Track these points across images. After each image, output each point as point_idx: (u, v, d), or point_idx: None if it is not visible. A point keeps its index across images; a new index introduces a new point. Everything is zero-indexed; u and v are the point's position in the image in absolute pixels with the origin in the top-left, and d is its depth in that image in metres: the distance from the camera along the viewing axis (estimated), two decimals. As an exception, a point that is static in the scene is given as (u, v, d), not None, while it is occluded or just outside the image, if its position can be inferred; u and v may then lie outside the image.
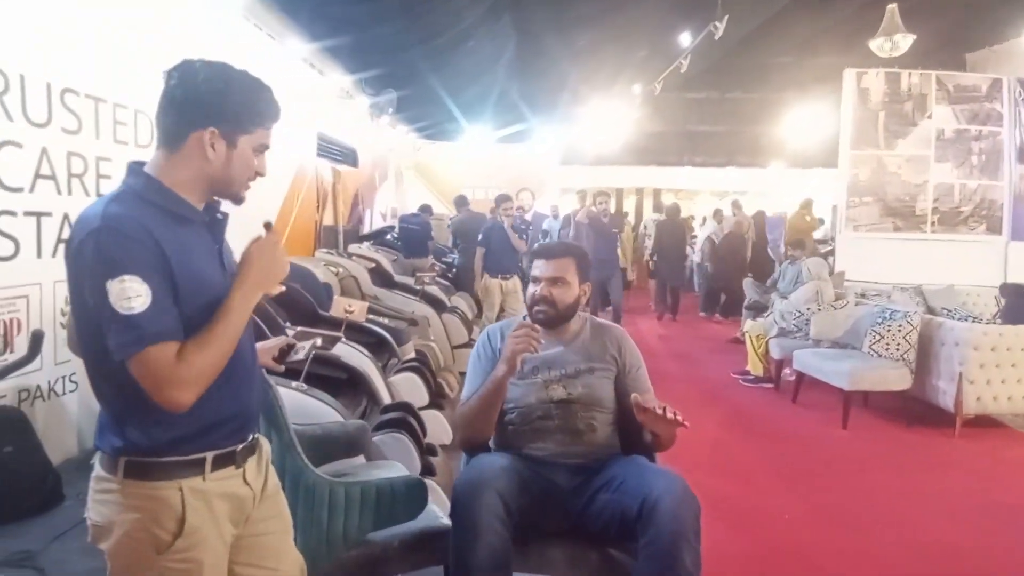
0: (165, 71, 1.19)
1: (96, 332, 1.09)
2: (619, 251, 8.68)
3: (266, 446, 1.35)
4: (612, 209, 9.68)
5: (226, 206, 1.28)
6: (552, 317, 1.99)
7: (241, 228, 1.31)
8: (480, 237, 6.26)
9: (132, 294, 1.05)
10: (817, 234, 10.46)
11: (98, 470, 1.17)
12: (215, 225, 1.25)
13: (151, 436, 1.13)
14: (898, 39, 6.60)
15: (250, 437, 1.27)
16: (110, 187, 3.40)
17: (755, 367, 5.63)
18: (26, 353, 2.14)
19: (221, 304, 1.15)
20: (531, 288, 2.02)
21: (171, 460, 1.14)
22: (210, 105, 1.16)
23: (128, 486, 1.14)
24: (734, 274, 8.64)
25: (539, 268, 2.01)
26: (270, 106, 1.22)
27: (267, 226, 1.24)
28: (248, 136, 1.19)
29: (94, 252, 1.06)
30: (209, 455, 1.18)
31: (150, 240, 1.09)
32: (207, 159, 1.17)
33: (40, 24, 2.83)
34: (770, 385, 5.51)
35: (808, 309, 5.38)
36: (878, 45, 6.73)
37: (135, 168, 1.19)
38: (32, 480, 2.75)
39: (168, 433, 1.14)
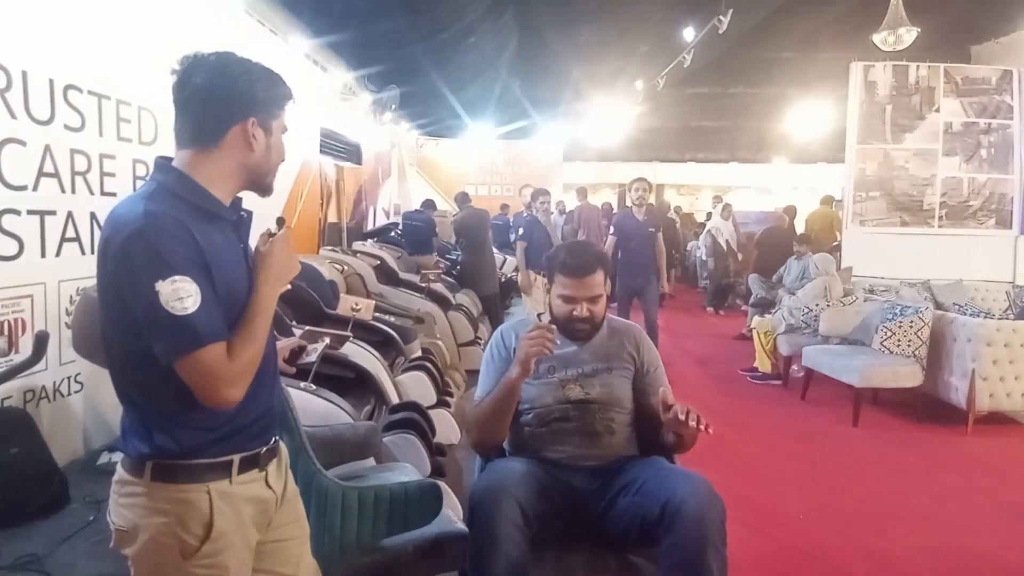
0: (178, 69, 1.16)
1: (130, 335, 1.08)
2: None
3: (285, 449, 1.34)
4: (652, 200, 9.10)
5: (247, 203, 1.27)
6: (591, 333, 1.97)
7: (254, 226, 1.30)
8: (521, 232, 6.26)
9: (184, 295, 1.03)
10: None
11: (121, 474, 1.15)
12: (241, 224, 1.24)
13: (180, 440, 1.12)
14: (902, 33, 6.54)
15: (272, 439, 1.27)
16: (114, 185, 3.38)
17: (763, 364, 5.59)
18: (31, 355, 2.10)
19: (250, 302, 1.15)
20: (563, 305, 1.94)
21: (198, 463, 1.13)
22: (247, 95, 1.15)
23: (155, 489, 1.12)
24: (776, 268, 8.45)
25: (573, 287, 1.92)
26: (285, 86, 1.23)
27: (280, 222, 1.23)
28: (276, 120, 1.21)
29: (143, 252, 1.03)
30: (236, 457, 1.16)
31: (191, 239, 1.08)
32: (250, 150, 1.17)
33: (42, 20, 2.78)
34: (778, 382, 5.48)
35: (817, 305, 5.33)
36: (882, 39, 6.67)
37: (164, 164, 1.17)
38: (38, 482, 2.72)
39: (197, 436, 1.13)
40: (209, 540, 1.12)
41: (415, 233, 7.48)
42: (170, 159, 1.18)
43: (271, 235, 1.22)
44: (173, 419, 1.12)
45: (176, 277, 1.03)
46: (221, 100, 1.14)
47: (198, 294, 1.05)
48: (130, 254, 1.04)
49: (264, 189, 1.25)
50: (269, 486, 1.23)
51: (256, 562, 1.23)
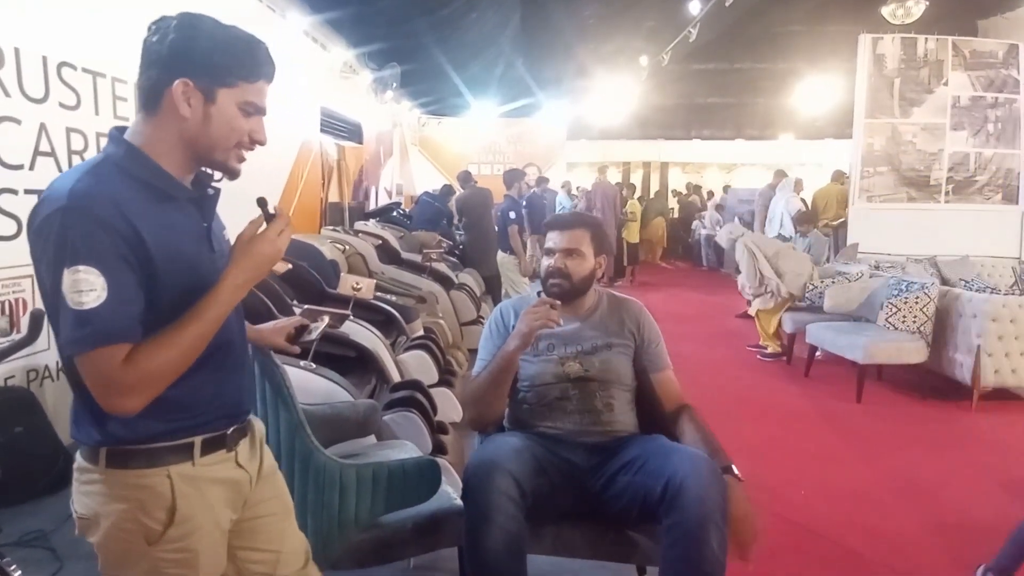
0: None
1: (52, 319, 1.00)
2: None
3: (259, 426, 1.27)
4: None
5: (229, 187, 1.17)
6: (567, 290, 1.93)
7: (246, 209, 1.18)
8: (513, 215, 6.22)
9: (85, 287, 0.94)
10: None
11: (79, 460, 1.09)
12: (204, 202, 1.12)
13: (131, 425, 1.04)
14: (911, 5, 6.43)
15: (242, 419, 1.19)
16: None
17: (767, 341, 5.57)
18: (26, 334, 2.10)
19: (210, 291, 1.03)
20: (545, 260, 1.96)
21: (156, 447, 1.06)
22: (181, 54, 1.03)
23: (112, 475, 1.05)
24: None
25: (552, 239, 1.95)
26: (255, 57, 1.08)
27: (262, 204, 1.11)
28: (229, 90, 1.05)
29: (56, 234, 0.94)
30: (197, 439, 1.09)
31: (123, 223, 0.97)
32: (183, 117, 1.04)
33: (34, -4, 2.75)
34: (784, 358, 5.47)
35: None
36: (890, 11, 6.56)
37: (115, 135, 1.07)
38: (43, 460, 2.74)
39: (151, 424, 1.05)
40: (173, 524, 1.06)
41: (427, 209, 7.55)
42: (123, 129, 1.08)
43: (269, 217, 1.11)
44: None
45: (80, 267, 0.93)
46: (157, 60, 1.03)
47: (104, 289, 0.94)
48: (45, 234, 0.96)
49: (219, 168, 1.11)
50: (240, 466, 1.17)
51: (236, 540, 1.19)
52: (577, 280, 1.93)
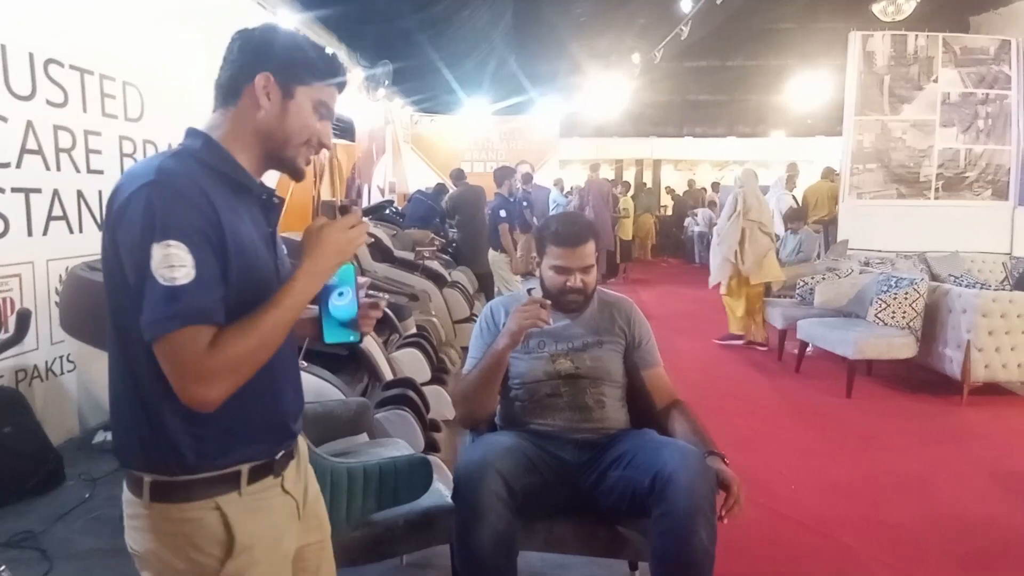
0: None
1: (124, 307, 0.95)
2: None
3: (303, 446, 1.22)
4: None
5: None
6: (582, 304, 1.95)
7: None
8: (503, 213, 6.25)
9: (176, 263, 0.91)
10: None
11: (125, 492, 1.03)
12: (270, 208, 1.12)
13: (179, 448, 0.98)
14: (901, 2, 6.47)
15: (292, 443, 1.14)
16: (101, 162, 3.34)
17: (735, 326, 5.82)
18: (13, 333, 2.08)
19: (281, 288, 1.00)
20: (556, 277, 1.91)
21: (200, 478, 0.99)
22: (262, 49, 1.07)
23: (157, 510, 0.99)
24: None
25: (566, 258, 1.89)
26: (332, 62, 1.11)
27: (343, 209, 1.10)
28: (306, 88, 1.08)
29: (144, 209, 0.92)
30: (245, 467, 1.03)
31: (206, 203, 0.96)
32: (260, 108, 1.06)
33: (20, -7, 2.72)
34: (740, 342, 5.75)
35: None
36: (881, 8, 6.60)
37: (192, 131, 1.08)
38: (33, 460, 2.72)
39: (201, 445, 0.99)
40: (231, 557, 1.00)
41: (420, 207, 7.55)
42: (194, 128, 1.09)
43: (337, 211, 1.09)
44: (170, 421, 0.97)
45: (171, 242, 0.91)
46: (243, 53, 1.07)
47: (193, 266, 0.91)
48: (132, 210, 0.93)
49: (288, 166, 1.11)
50: (287, 491, 1.11)
51: None
52: (591, 291, 1.95)
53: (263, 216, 1.10)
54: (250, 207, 1.07)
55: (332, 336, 1.11)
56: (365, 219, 1.12)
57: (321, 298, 1.09)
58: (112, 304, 1.00)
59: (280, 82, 1.06)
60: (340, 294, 1.10)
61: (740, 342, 5.81)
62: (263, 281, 1.03)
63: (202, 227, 0.95)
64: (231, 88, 1.07)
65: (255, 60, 1.06)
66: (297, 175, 1.12)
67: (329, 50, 1.13)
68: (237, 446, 1.02)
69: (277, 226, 1.14)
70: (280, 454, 1.10)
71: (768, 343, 5.71)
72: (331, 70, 1.11)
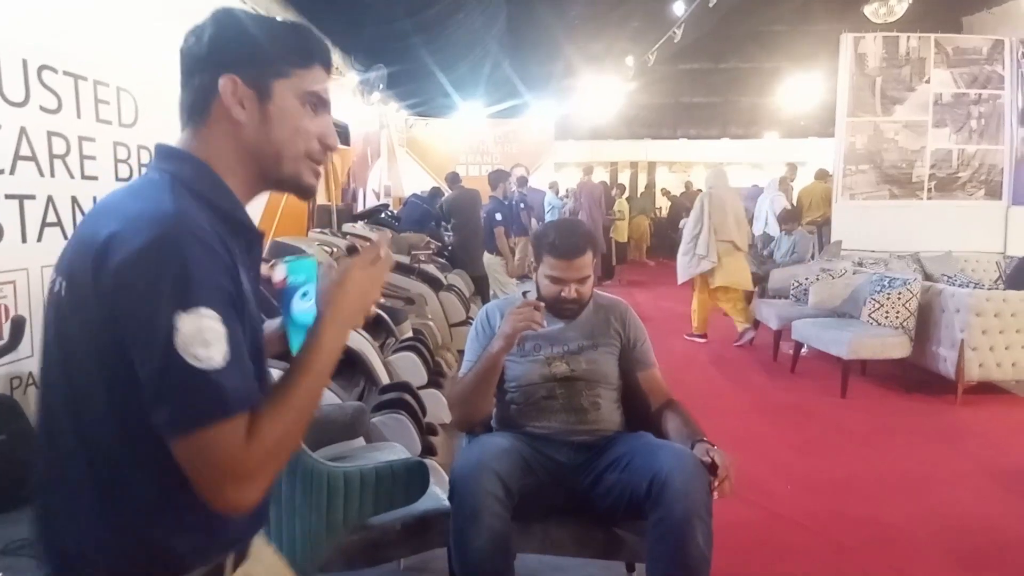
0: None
1: (113, 393, 0.75)
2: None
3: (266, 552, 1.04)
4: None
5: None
6: (578, 312, 1.96)
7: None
8: (499, 216, 6.27)
9: (212, 338, 0.72)
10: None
11: None
12: (255, 243, 0.92)
13: (170, 547, 0.80)
14: (893, 4, 6.49)
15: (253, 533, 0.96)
16: (95, 168, 3.33)
17: (699, 326, 6.09)
18: (7, 341, 2.08)
19: (306, 348, 0.86)
20: (552, 287, 1.91)
21: None
22: (222, 47, 0.85)
23: None
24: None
25: (561, 269, 1.89)
26: (304, 38, 0.89)
27: (351, 252, 1.00)
28: (284, 81, 0.86)
29: (164, 267, 0.72)
30: (229, 558, 0.87)
31: (226, 254, 0.78)
32: (238, 123, 0.85)
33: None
34: (703, 340, 6.01)
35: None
36: (872, 10, 6.63)
37: (172, 151, 0.87)
38: (28, 468, 2.71)
39: (190, 541, 0.82)
40: None
41: (415, 211, 7.56)
42: (173, 147, 0.88)
43: (354, 250, 0.97)
44: (151, 519, 0.79)
45: (204, 310, 0.72)
46: (200, 59, 0.86)
47: (226, 340, 0.74)
48: (145, 268, 0.72)
49: (288, 185, 0.90)
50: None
51: None
52: (587, 300, 1.96)
53: (248, 254, 0.89)
54: (239, 246, 0.86)
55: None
56: (386, 248, 0.96)
57: (282, 304, 0.94)
58: (71, 393, 0.78)
59: (251, 82, 0.85)
60: (304, 295, 0.94)
61: (703, 340, 6.12)
62: (258, 337, 0.89)
63: (227, 287, 0.77)
64: (197, 103, 0.87)
65: (215, 61, 0.86)
66: (304, 193, 0.92)
67: (299, 23, 0.93)
68: (228, 533, 0.87)
69: (260, 264, 0.95)
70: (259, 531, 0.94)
71: (741, 339, 5.93)
72: (307, 49, 0.90)
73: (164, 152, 0.87)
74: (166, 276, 0.72)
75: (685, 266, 5.97)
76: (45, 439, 0.84)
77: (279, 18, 0.95)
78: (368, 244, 0.96)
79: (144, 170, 0.97)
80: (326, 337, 0.86)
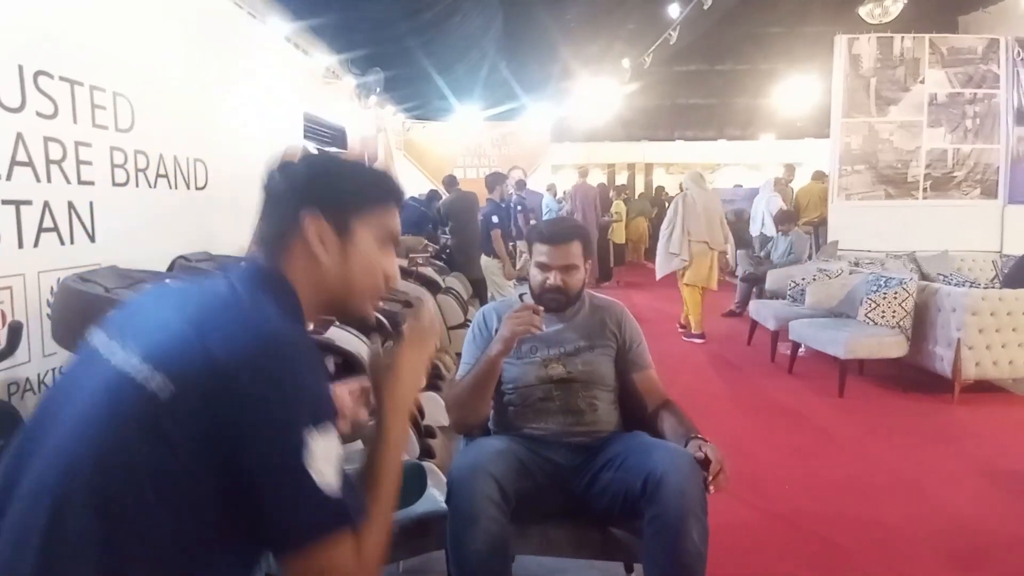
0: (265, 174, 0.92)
1: (186, 505, 0.71)
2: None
3: None
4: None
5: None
6: (563, 304, 1.95)
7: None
8: (496, 219, 6.29)
9: (333, 455, 0.75)
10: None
11: None
12: None
13: None
14: (888, 4, 6.52)
15: None
16: (91, 173, 3.34)
17: (694, 323, 6.19)
18: (5, 346, 2.08)
19: (375, 440, 0.88)
20: (538, 274, 1.94)
21: None
22: (306, 184, 0.89)
23: None
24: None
25: (547, 255, 1.91)
26: (385, 179, 0.95)
27: (415, 303, 1.04)
28: (364, 219, 0.90)
29: (290, 382, 0.73)
30: None
31: (326, 373, 0.84)
32: (318, 262, 0.87)
33: (7, 4, 2.73)
34: (701, 341, 6.10)
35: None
36: (867, 11, 6.66)
37: (270, 273, 0.87)
38: (25, 474, 2.71)
39: None
40: None
41: (413, 214, 7.58)
42: (254, 261, 0.89)
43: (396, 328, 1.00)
44: None
45: (329, 426, 0.75)
46: (282, 193, 0.89)
47: (338, 457, 0.77)
48: (268, 381, 0.72)
49: (349, 316, 0.95)
50: None
51: None
52: (573, 293, 1.95)
53: None
54: None
55: None
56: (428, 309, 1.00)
57: None
58: (116, 497, 0.70)
59: (332, 219, 0.88)
60: None
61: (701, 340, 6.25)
62: None
63: (332, 403, 0.80)
64: (277, 240, 0.89)
65: (299, 197, 0.88)
66: (367, 323, 1.00)
67: (380, 168, 0.98)
68: None
69: None
70: None
71: (705, 337, 6.19)
72: (388, 189, 0.95)
73: (256, 268, 0.89)
74: (300, 393, 0.74)
75: (660, 263, 6.33)
76: (22, 537, 0.71)
77: (366, 161, 1.00)
78: (413, 323, 0.98)
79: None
80: (394, 431, 0.89)
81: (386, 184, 0.96)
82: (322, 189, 0.89)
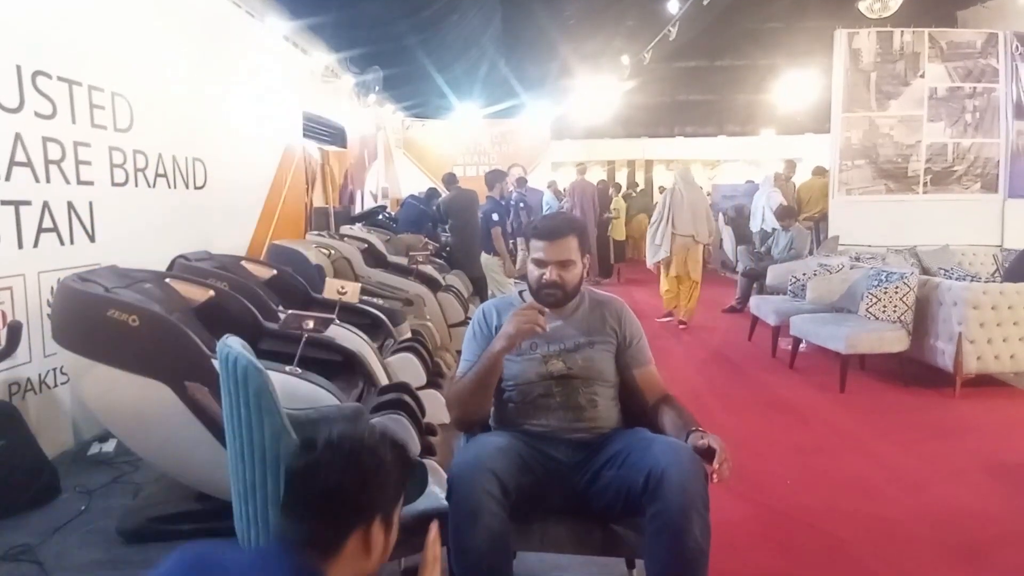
0: (304, 455, 1.00)
1: None
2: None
3: None
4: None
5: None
6: (560, 299, 1.95)
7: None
8: (496, 217, 6.32)
9: None
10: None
11: None
12: None
13: None
14: (887, -1, 6.52)
15: None
16: (90, 173, 3.34)
17: (669, 304, 6.62)
18: (5, 346, 2.08)
19: None
20: (535, 270, 1.93)
21: None
22: (378, 494, 0.97)
23: None
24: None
25: (543, 250, 1.91)
26: (426, 472, 1.12)
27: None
28: (399, 508, 1.02)
29: None
30: None
31: None
32: (366, 557, 0.97)
33: (5, 5, 2.72)
34: (670, 318, 6.63)
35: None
36: (867, 6, 6.66)
37: (302, 568, 0.94)
38: (27, 474, 2.72)
39: None
40: None
41: (412, 212, 7.58)
42: (296, 557, 0.95)
43: None
44: None
45: None
46: (346, 503, 0.96)
47: None
48: None
49: None
50: None
51: None
52: (570, 288, 1.94)
53: None
54: None
55: None
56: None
57: None
58: None
59: (386, 519, 0.98)
60: None
61: (671, 319, 6.81)
62: None
63: None
64: (332, 538, 0.95)
65: (368, 503, 0.96)
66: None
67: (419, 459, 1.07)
68: None
69: None
70: None
71: (689, 325, 6.58)
72: (425, 479, 1.12)
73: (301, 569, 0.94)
74: None
75: (650, 253, 6.81)
76: None
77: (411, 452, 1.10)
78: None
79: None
80: None
81: (426, 475, 1.10)
82: (390, 494, 0.99)
